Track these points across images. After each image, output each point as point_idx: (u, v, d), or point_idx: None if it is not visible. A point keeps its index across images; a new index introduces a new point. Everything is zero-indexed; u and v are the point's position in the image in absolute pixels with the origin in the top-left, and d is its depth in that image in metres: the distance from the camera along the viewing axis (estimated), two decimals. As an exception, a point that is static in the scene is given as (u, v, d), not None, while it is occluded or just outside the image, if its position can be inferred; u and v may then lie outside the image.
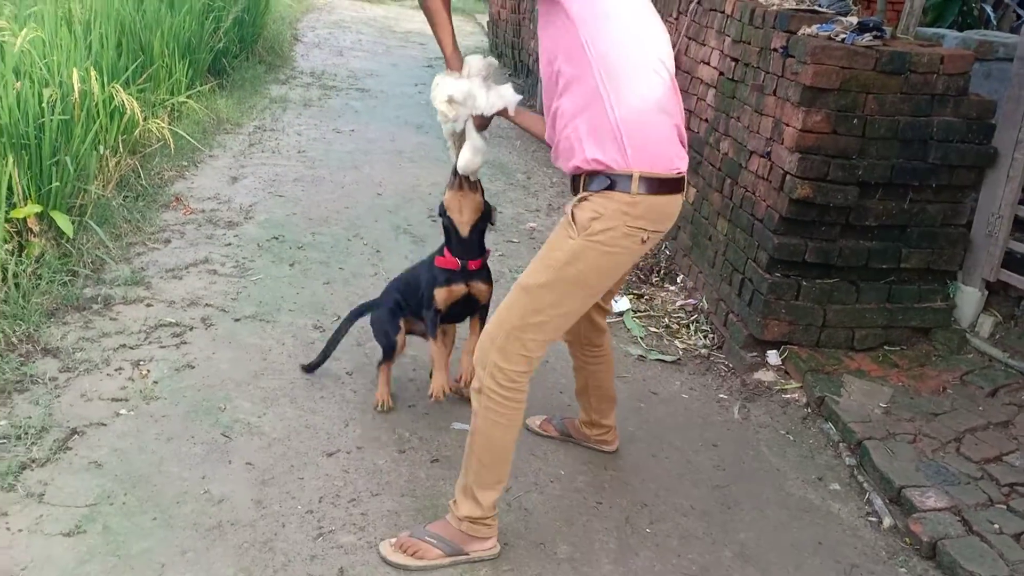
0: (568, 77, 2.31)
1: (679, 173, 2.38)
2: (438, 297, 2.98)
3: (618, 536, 2.70)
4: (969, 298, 3.81)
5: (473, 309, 3.08)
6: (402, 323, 3.25)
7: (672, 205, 2.39)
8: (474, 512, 2.48)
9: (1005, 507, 2.88)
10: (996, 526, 2.78)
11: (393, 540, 2.52)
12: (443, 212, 2.94)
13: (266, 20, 9.45)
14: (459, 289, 2.97)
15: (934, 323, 3.81)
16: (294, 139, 6.74)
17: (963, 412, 3.39)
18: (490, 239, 5.09)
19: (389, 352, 3.24)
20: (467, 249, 2.95)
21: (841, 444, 3.27)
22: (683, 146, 2.42)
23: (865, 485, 3.05)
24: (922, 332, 3.83)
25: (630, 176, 2.28)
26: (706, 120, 4.53)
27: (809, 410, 3.50)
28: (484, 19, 12.98)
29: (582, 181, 2.36)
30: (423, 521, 2.64)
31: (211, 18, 7.41)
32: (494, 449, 2.46)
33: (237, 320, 3.79)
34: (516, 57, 9.85)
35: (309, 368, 3.42)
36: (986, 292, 3.80)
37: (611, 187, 2.29)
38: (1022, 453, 3.17)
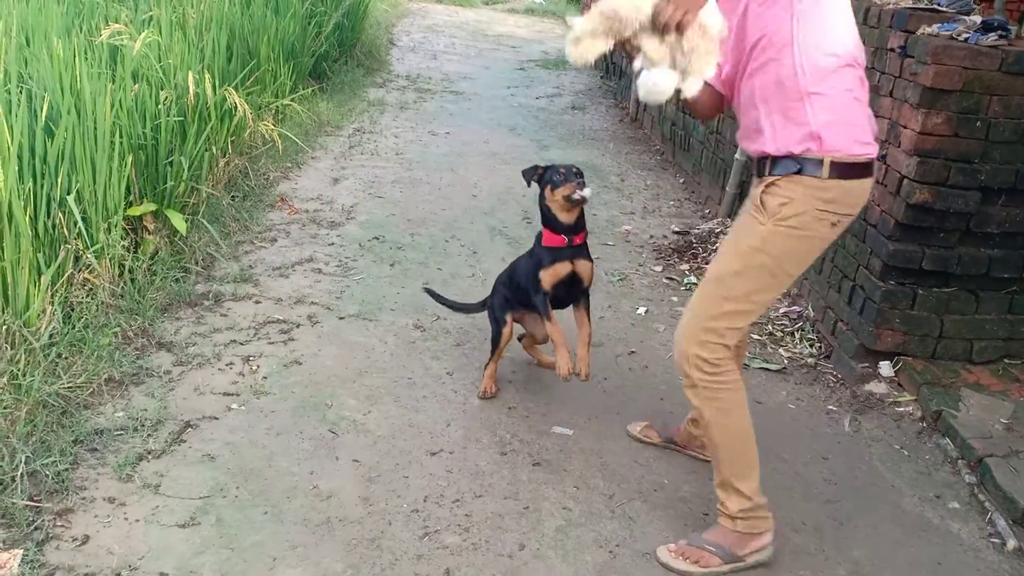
0: (766, 58, 2.31)
1: (869, 158, 2.35)
2: (544, 277, 3.06)
3: (726, 548, 2.63)
4: (1100, 310, 3.60)
5: (576, 294, 3.16)
6: (510, 316, 3.33)
7: (863, 188, 2.38)
8: (743, 504, 2.49)
9: None
10: None
11: (671, 547, 2.55)
12: (552, 180, 3.02)
13: (364, 25, 9.64)
14: (564, 268, 3.06)
15: (1060, 337, 3.61)
16: (391, 141, 6.84)
17: (1094, 431, 3.19)
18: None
19: (497, 339, 3.33)
20: (571, 226, 3.04)
21: (960, 461, 3.12)
22: (874, 131, 2.40)
23: (987, 504, 2.90)
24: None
25: (821, 161, 2.28)
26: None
27: (924, 424, 3.35)
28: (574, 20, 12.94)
29: (768, 164, 2.36)
30: (526, 525, 2.64)
31: (313, 23, 7.60)
32: (733, 435, 2.49)
33: (341, 318, 3.86)
34: (608, 59, 9.79)
35: (430, 291, 3.71)
36: (1119, 304, 3.59)
37: (800, 171, 2.31)
38: None
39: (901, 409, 3.45)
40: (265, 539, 2.49)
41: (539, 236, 3.15)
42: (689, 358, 2.43)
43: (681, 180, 6.50)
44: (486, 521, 2.65)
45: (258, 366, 3.39)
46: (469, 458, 2.96)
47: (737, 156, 5.24)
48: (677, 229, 5.47)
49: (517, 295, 3.30)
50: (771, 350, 3.96)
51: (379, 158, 6.35)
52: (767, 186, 2.36)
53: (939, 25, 3.49)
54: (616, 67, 9.43)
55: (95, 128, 3.68)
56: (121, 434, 2.89)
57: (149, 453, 2.82)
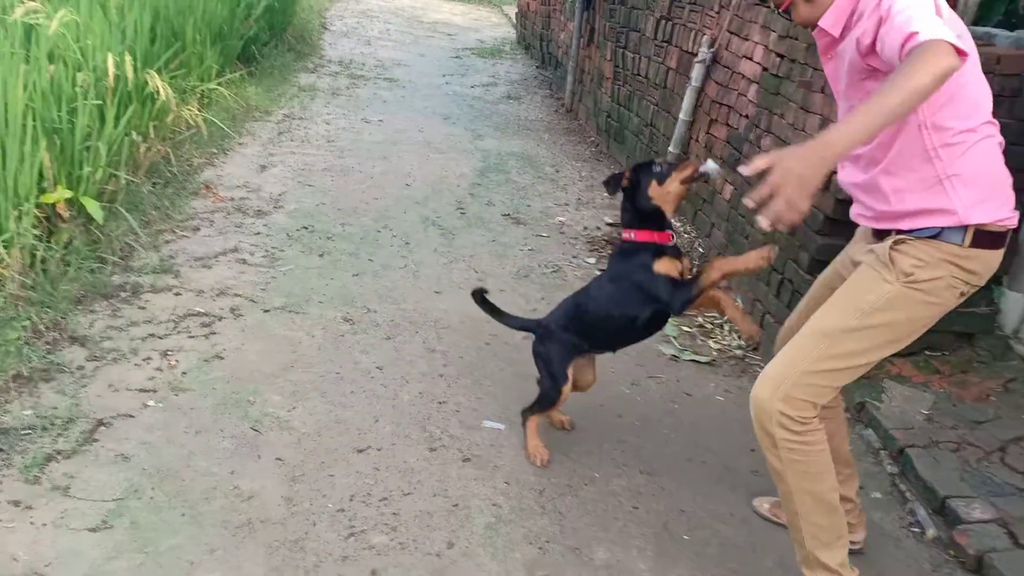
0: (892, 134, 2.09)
1: (1008, 228, 2.15)
2: (671, 269, 2.71)
3: (656, 543, 2.62)
4: (1014, 304, 3.70)
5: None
6: (571, 370, 2.89)
7: (997, 258, 2.17)
8: None
9: (1055, 521, 2.79)
10: (1049, 538, 2.68)
11: None
12: (655, 174, 2.71)
13: (296, 8, 9.42)
14: (677, 264, 2.74)
15: (977, 328, 3.70)
16: (323, 128, 6.70)
17: (1007, 420, 3.29)
18: (519, 232, 5.05)
19: (554, 398, 2.89)
20: (668, 224, 2.78)
21: (882, 451, 3.18)
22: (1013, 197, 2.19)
23: (907, 494, 2.96)
24: (965, 337, 3.72)
25: (964, 228, 2.09)
26: (747, 116, 4.43)
27: (848, 416, 3.40)
28: (512, 11, 12.90)
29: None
30: (456, 522, 2.59)
31: (242, 5, 7.38)
32: (818, 502, 2.27)
33: (266, 311, 3.75)
34: (544, 49, 9.76)
35: (482, 297, 3.16)
36: (1033, 298, 3.70)
37: (938, 236, 2.11)
38: (1071, 466, 3.07)
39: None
40: (182, 542, 2.39)
41: (625, 244, 2.80)
42: (772, 415, 2.18)
43: (616, 172, 6.51)
44: (414, 519, 2.60)
45: (177, 361, 3.27)
46: (398, 455, 2.90)
47: (670, 149, 5.26)
48: (610, 221, 5.47)
49: (595, 334, 2.87)
50: (701, 342, 3.98)
51: (309, 145, 6.21)
52: (897, 243, 2.14)
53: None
54: (552, 57, 9.40)
55: (6, 111, 3.50)
56: (29, 433, 2.75)
57: (59, 453, 2.69)
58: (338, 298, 3.95)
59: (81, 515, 2.44)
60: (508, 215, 5.33)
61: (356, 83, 8.35)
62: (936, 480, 2.93)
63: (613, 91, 6.83)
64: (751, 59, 4.42)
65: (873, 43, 1.98)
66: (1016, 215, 2.16)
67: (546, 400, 2.92)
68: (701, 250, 4.82)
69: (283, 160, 5.81)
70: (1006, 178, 2.15)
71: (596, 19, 7.43)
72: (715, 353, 3.90)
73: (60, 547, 2.33)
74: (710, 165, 2.69)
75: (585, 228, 5.30)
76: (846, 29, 2.11)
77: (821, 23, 2.14)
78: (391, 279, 4.21)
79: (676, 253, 2.76)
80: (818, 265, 3.57)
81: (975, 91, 2.08)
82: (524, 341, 3.75)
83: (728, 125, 4.65)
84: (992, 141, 2.12)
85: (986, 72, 3.39)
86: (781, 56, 4.07)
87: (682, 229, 5.07)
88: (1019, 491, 2.92)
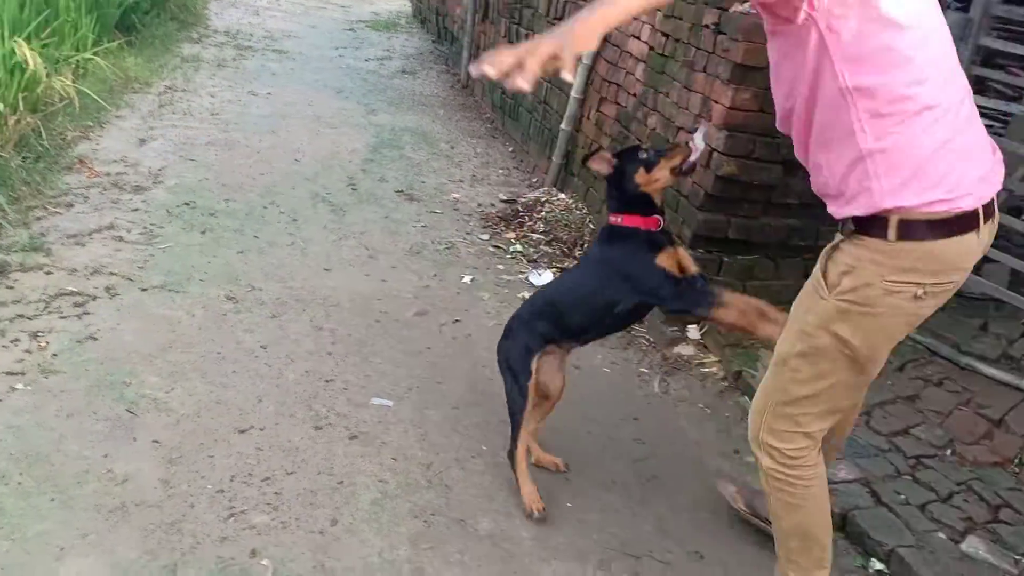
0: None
1: (962, 211, 1.81)
2: (668, 262, 2.49)
3: (539, 512, 2.68)
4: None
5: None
6: (536, 362, 2.64)
7: (957, 249, 1.84)
8: None
9: (911, 478, 2.97)
10: (903, 497, 2.86)
11: None
12: (643, 162, 2.51)
13: (178, -25, 9.04)
14: (674, 255, 2.53)
15: (848, 300, 3.90)
16: (207, 101, 6.47)
17: (873, 386, 3.46)
18: (412, 209, 5.02)
19: (520, 400, 2.62)
20: (658, 209, 2.57)
21: (758, 418, 3.32)
22: (984, 176, 1.88)
23: (781, 459, 3.10)
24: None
25: (885, 217, 1.81)
26: (634, 94, 4.51)
27: (726, 384, 3.54)
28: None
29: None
30: (340, 500, 2.57)
31: (119, -30, 7.04)
32: (801, 534, 2.18)
33: (144, 290, 3.61)
34: (440, 24, 9.67)
35: None
36: (898, 270, 3.89)
37: (863, 231, 1.86)
38: (928, 426, 3.27)
39: (706, 370, 3.62)
40: (52, 527, 2.30)
41: (610, 229, 2.59)
42: (761, 444, 2.12)
43: (510, 149, 6.53)
44: (297, 498, 2.57)
45: (47, 342, 3.12)
46: (281, 434, 2.85)
47: (562, 126, 5.30)
48: (505, 198, 5.49)
49: (570, 320, 2.62)
50: (590, 316, 4.05)
51: (192, 118, 5.99)
52: (833, 248, 1.93)
53: (750, 4, 3.64)
54: (448, 32, 9.33)
55: None
56: None
57: (-85, 442, 2.54)
58: (221, 276, 3.84)
59: (-61, 505, 2.32)
60: (401, 191, 5.29)
61: (243, 54, 8.09)
62: (806, 443, 3.08)
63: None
64: (638, 38, 4.49)
65: None
66: (971, 195, 1.82)
67: (514, 404, 2.63)
68: (592, 226, 4.89)
69: (164, 134, 5.59)
70: (953, 156, 1.81)
71: (490, -6, 7.40)
72: (603, 326, 3.97)
73: (-85, 539, 2.20)
74: (698, 143, 2.49)
75: (479, 205, 5.30)
76: None
77: None
78: (277, 256, 4.12)
79: (669, 240, 2.57)
80: (700, 240, 3.70)
81: (921, 55, 1.77)
82: (415, 318, 3.76)
83: (617, 103, 4.72)
84: (942, 115, 1.79)
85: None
86: (666, 36, 4.15)
87: (573, 205, 5.14)
88: (882, 452, 3.10)
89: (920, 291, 1.85)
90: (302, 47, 8.83)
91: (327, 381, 3.19)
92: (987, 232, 1.89)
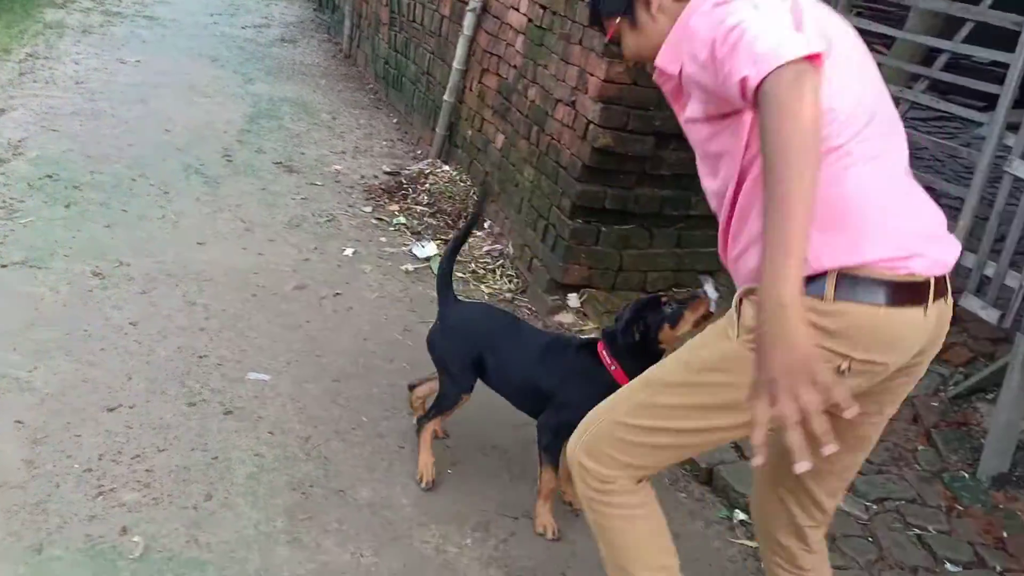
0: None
1: (912, 276, 1.52)
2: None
3: (419, 479, 2.71)
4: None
5: None
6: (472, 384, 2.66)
7: (900, 324, 1.54)
8: None
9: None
10: (766, 452, 3.02)
11: None
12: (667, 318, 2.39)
13: (37, -66, 8.50)
14: None
15: (718, 266, 4.04)
16: (71, 69, 6.14)
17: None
18: (291, 181, 4.92)
19: (448, 405, 2.66)
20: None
21: (633, 382, 3.44)
22: (931, 236, 1.59)
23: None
24: (708, 274, 4.07)
25: (823, 274, 1.51)
26: (515, 66, 4.53)
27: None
28: None
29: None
30: (215, 475, 2.53)
31: (-33, -74, 6.57)
32: (618, 555, 1.88)
33: (3, 266, 3.43)
34: (322, -8, 9.44)
35: None
36: (764, 238, 4.08)
37: None
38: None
39: (585, 335, 3.72)
40: (-101, 518, 2.18)
41: (592, 360, 2.49)
42: (574, 464, 1.83)
43: (394, 120, 6.46)
44: (169, 475, 2.51)
45: None
46: (153, 412, 2.77)
47: (445, 98, 5.29)
48: (388, 169, 5.45)
49: (491, 374, 2.66)
50: (473, 287, 4.09)
51: (55, 87, 5.67)
52: (750, 290, 1.56)
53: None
54: (329, 0, 9.12)
55: None
56: None
57: None
58: (86, 251, 3.68)
59: None
60: (280, 163, 5.17)
61: (111, 20, 7.70)
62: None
63: (390, 37, 6.75)
64: (517, 10, 4.51)
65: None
66: (923, 258, 1.53)
67: (445, 401, 2.66)
68: (476, 198, 4.91)
69: (24, 103, 5.28)
70: (900, 209, 1.56)
71: (371, -37, 7.27)
72: (486, 297, 4.02)
73: None
74: (711, 294, 2.43)
75: (362, 177, 5.24)
76: None
77: (657, 62, 1.67)
78: (147, 230, 3.97)
79: None
80: (578, 211, 3.78)
81: (842, 100, 1.50)
82: (294, 292, 3.71)
83: (499, 75, 4.74)
84: (873, 163, 1.53)
85: None
86: (544, 8, 4.19)
87: (457, 177, 5.15)
88: (747, 410, 3.27)
89: (845, 364, 1.54)
90: (175, 13, 8.46)
91: (201, 357, 3.12)
92: (935, 313, 1.58)
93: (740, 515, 2.81)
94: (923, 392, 3.45)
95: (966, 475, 3.07)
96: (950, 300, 1.62)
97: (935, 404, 3.41)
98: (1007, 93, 3.07)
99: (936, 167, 5.58)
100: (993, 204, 3.23)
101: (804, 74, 1.32)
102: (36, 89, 5.59)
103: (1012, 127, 3.12)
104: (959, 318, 3.69)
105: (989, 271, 3.25)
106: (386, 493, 2.61)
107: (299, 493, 2.54)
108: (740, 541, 2.72)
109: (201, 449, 2.64)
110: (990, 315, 3.24)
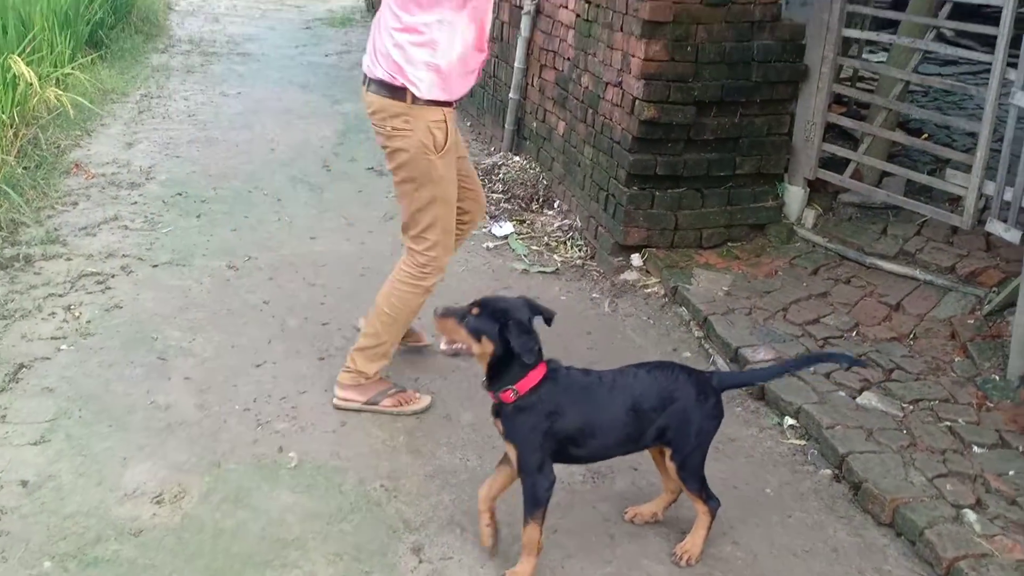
0: None
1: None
2: None
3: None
4: (795, 196, 4.49)
5: None
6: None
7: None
8: None
9: (819, 355, 3.56)
10: (811, 369, 3.44)
11: None
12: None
13: (138, -10, 9.47)
14: None
15: (767, 220, 4.48)
16: (182, 104, 6.95)
17: (790, 288, 4.07)
18: (383, 182, 5.51)
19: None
20: None
21: (691, 322, 3.90)
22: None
23: (710, 350, 3.69)
24: (758, 228, 4.50)
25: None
26: (568, 59, 5.05)
27: (666, 300, 4.12)
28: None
29: None
30: (344, 410, 3.12)
31: (85, -11, 7.48)
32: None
33: (155, 266, 4.13)
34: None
35: None
36: (808, 190, 4.48)
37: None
38: (836, 315, 3.86)
39: (649, 290, 4.20)
40: (114, 445, 2.84)
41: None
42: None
43: (468, 123, 7.04)
44: (311, 410, 3.12)
45: (80, 312, 3.64)
46: (291, 366, 3.40)
47: (511, 96, 5.82)
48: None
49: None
50: (547, 257, 4.61)
51: (171, 121, 6.48)
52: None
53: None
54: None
55: None
56: (-45, 383, 3.10)
57: (-12, 394, 3.06)
58: (220, 250, 4.37)
59: (20, 435, 2.85)
60: (372, 168, 5.80)
61: (209, 60, 8.55)
62: (731, 336, 3.67)
63: (458, 49, 7.34)
64: (567, 7, 5.03)
65: None
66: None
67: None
68: (545, 182, 5.43)
69: (148, 136, 6.07)
70: None
71: (436, -18, 7.89)
72: (559, 264, 4.53)
73: (6, 459, 2.74)
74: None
75: (442, 174, 5.82)
76: None
77: None
78: (267, 231, 4.65)
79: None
80: (633, 179, 4.26)
81: None
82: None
83: (555, 68, 5.26)
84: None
85: (748, 2, 4.07)
86: (588, 2, 4.69)
87: (527, 165, 5.68)
88: (795, 338, 3.69)
89: None
90: (264, 48, 9.29)
91: (324, 324, 3.74)
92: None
93: (789, 420, 3.24)
94: (960, 313, 3.80)
95: (997, 377, 3.41)
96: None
97: (971, 321, 3.75)
98: (1003, 33, 3.42)
99: (952, 108, 5.85)
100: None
101: None
102: (155, 124, 6.39)
103: (1012, 64, 3.47)
104: (992, 244, 4.04)
105: (1008, 196, 3.61)
106: (484, 415, 3.15)
107: (415, 418, 3.11)
108: (789, 441, 3.16)
109: (333, 391, 3.24)
110: (1012, 236, 3.59)
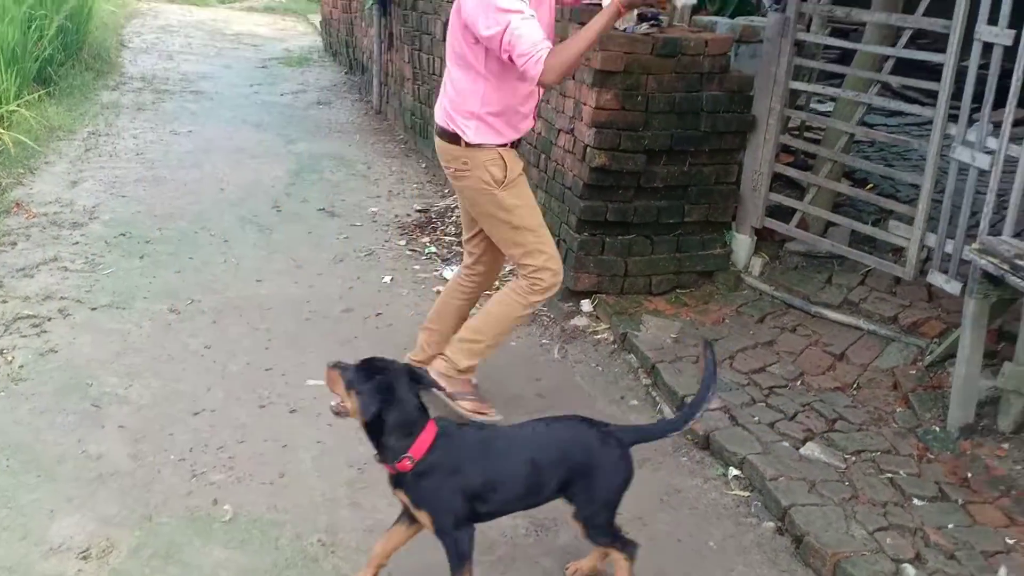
0: None
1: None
2: None
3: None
4: (742, 244, 4.55)
5: None
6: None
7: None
8: None
9: (764, 404, 3.58)
10: (756, 418, 3.46)
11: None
12: None
13: (90, 27, 9.37)
14: None
15: (715, 267, 4.53)
16: (131, 142, 6.85)
17: (736, 336, 4.10)
18: (334, 224, 5.49)
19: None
20: None
21: (640, 370, 3.90)
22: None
23: (657, 398, 3.69)
24: (706, 275, 4.54)
25: None
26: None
27: (615, 346, 4.12)
28: (317, 19, 13.19)
29: None
30: (286, 458, 3.06)
31: (34, 27, 7.38)
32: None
33: (94, 309, 4.03)
34: (350, 55, 10.17)
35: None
36: (755, 238, 4.54)
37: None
38: (781, 364, 3.89)
39: (599, 336, 4.19)
40: (41, 496, 2.74)
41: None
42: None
43: (423, 165, 7.04)
44: (249, 460, 3.04)
45: (13, 357, 3.53)
46: (230, 414, 3.31)
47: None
48: (419, 208, 6.00)
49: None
50: (497, 302, 4.59)
51: (119, 159, 6.38)
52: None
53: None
54: (358, 62, 9.84)
55: None
56: None
57: (-93, 445, 2.93)
58: (162, 293, 4.28)
59: (-60, 488, 2.73)
60: (323, 209, 5.76)
61: (161, 97, 8.47)
62: (678, 384, 3.67)
63: (414, 90, 7.37)
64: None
65: None
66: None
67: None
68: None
69: (93, 175, 5.97)
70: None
71: (393, 24, 7.95)
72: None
73: (-76, 515, 2.61)
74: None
75: (396, 216, 5.80)
76: None
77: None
78: (212, 273, 4.57)
79: None
80: (584, 225, 4.28)
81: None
82: (342, 314, 4.25)
83: (508, 114, 5.28)
84: None
85: (697, 54, 4.15)
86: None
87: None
88: (740, 386, 3.70)
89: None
90: (218, 87, 9.23)
91: (267, 370, 3.66)
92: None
93: (734, 471, 3.24)
94: (902, 363, 3.85)
95: (938, 428, 3.46)
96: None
97: (913, 372, 3.81)
98: (944, 88, 3.53)
99: (897, 159, 6.02)
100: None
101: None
102: (102, 162, 6.28)
103: (953, 118, 3.57)
104: (934, 295, 4.12)
105: (948, 248, 3.68)
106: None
107: (355, 469, 3.05)
108: (734, 492, 3.15)
109: (273, 440, 3.17)
110: (953, 287, 3.66)
